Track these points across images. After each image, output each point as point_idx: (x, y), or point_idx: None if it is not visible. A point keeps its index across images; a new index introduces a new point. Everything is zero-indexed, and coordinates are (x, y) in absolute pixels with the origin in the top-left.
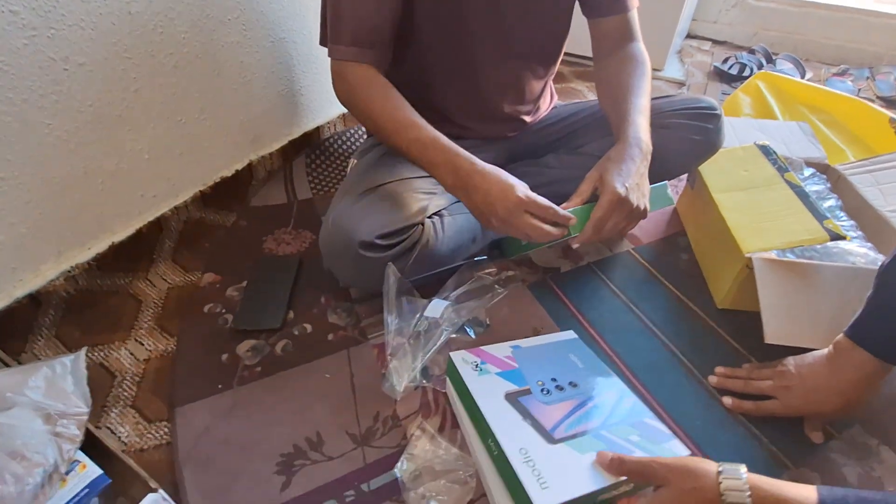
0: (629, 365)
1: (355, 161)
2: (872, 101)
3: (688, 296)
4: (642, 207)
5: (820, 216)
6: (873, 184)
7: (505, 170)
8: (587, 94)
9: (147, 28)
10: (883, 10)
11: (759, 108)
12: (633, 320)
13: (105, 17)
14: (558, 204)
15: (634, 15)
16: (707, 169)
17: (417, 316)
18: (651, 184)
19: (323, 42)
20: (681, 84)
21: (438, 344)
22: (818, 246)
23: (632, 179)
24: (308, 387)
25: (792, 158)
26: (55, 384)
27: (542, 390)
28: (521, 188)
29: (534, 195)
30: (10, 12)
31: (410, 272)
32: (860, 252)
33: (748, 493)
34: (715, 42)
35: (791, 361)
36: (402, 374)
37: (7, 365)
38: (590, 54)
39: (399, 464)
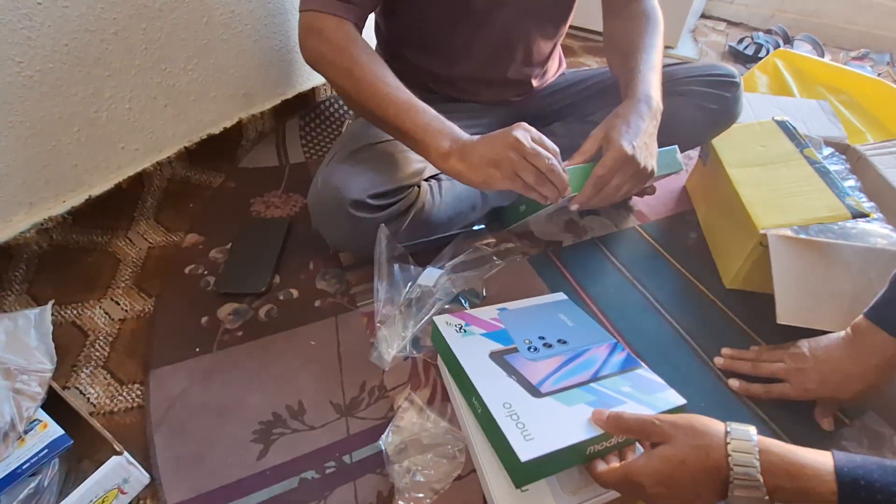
0: (632, 343)
1: (350, 122)
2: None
3: (695, 275)
4: (649, 169)
5: (841, 193)
6: (895, 165)
7: None
8: None
9: None
10: None
11: (777, 87)
12: (638, 297)
13: None
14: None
15: None
16: (721, 144)
17: (410, 283)
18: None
19: None
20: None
21: (431, 313)
22: (836, 226)
23: (640, 138)
24: (291, 353)
25: (811, 136)
26: (17, 338)
27: (530, 348)
28: (519, 132)
29: (535, 146)
30: None
31: (404, 237)
32: (882, 233)
33: (756, 455)
34: (730, 23)
35: (805, 343)
36: (392, 344)
37: None
38: (600, 28)
39: (384, 436)
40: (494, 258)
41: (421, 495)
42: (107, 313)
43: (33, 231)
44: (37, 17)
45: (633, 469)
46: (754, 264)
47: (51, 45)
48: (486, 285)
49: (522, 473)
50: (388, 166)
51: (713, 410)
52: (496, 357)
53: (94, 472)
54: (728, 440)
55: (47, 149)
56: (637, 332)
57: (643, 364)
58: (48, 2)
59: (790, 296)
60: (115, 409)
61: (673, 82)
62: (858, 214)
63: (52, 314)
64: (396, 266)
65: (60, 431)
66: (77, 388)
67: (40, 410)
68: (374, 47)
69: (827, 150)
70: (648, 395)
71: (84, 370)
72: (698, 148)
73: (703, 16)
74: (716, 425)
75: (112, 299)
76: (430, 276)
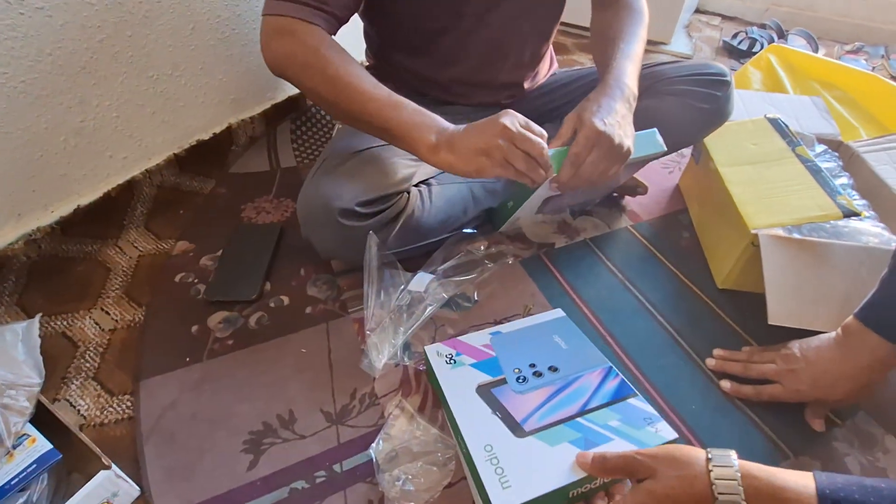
0: (623, 345)
1: (339, 127)
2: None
3: (687, 275)
4: (625, 147)
5: (833, 192)
6: (888, 162)
7: None
8: None
9: None
10: None
11: (770, 83)
12: (630, 299)
13: None
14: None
15: None
16: (713, 142)
17: (400, 290)
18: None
19: None
20: (688, 59)
21: (422, 319)
22: (828, 225)
23: (611, 116)
24: (282, 361)
25: (803, 134)
26: (5, 352)
27: (518, 378)
28: (507, 119)
29: (523, 130)
30: None
31: (394, 243)
32: (873, 231)
33: (739, 481)
34: (725, 17)
35: (796, 345)
36: (382, 351)
37: None
38: None
39: (374, 444)
40: (486, 262)
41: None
42: (97, 323)
43: (22, 242)
44: (20, 28)
45: None
46: (746, 264)
47: (35, 55)
48: (478, 289)
49: None
50: (376, 173)
51: (704, 413)
52: (483, 391)
53: (83, 485)
54: (710, 467)
55: (34, 159)
56: (629, 334)
57: (636, 392)
58: (31, 11)
59: (781, 296)
60: (106, 421)
61: (663, 82)
62: (850, 213)
63: (42, 325)
64: (387, 272)
65: (49, 446)
66: (67, 400)
67: (29, 425)
68: (363, 51)
69: (819, 148)
70: (637, 430)
71: (74, 382)
72: (691, 146)
73: (697, 10)
74: (697, 453)
75: (102, 309)
76: (421, 281)
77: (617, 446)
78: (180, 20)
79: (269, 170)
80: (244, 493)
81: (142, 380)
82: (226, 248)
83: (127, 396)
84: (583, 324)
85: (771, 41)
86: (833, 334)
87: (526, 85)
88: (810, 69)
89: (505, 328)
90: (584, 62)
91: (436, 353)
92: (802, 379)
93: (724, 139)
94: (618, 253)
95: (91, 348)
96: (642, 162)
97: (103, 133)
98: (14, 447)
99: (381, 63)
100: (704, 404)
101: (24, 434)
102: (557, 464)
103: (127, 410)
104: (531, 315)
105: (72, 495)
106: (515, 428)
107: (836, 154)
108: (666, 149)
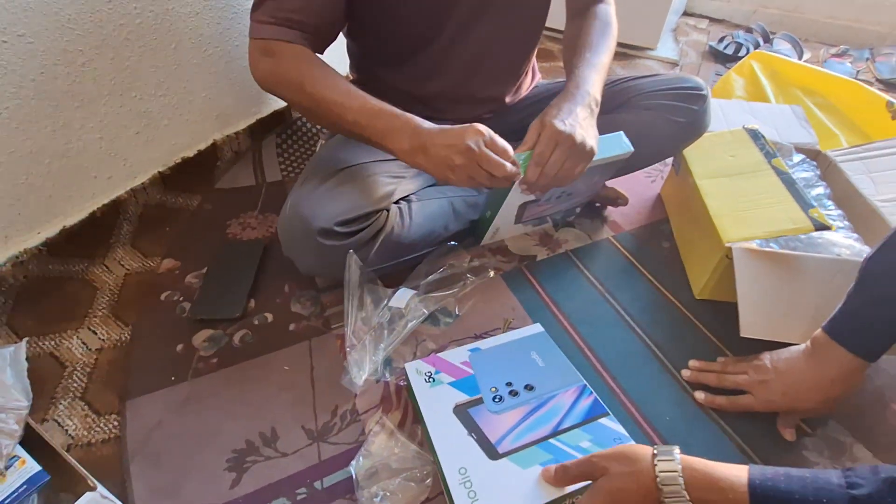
0: (601, 358)
1: (323, 142)
2: (871, 83)
3: (666, 286)
4: (588, 145)
5: (805, 205)
6: (864, 171)
7: None
8: None
9: None
10: None
11: (753, 90)
12: (609, 311)
13: None
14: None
15: None
16: (692, 153)
17: (381, 305)
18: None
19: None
20: (674, 64)
21: (403, 335)
22: (802, 236)
23: (571, 118)
24: (265, 379)
25: (782, 144)
26: None
27: (495, 398)
28: (479, 125)
29: (490, 131)
30: None
31: (375, 260)
32: (845, 243)
33: (680, 472)
34: (712, 20)
35: (768, 356)
36: (363, 367)
37: None
38: None
39: (355, 461)
40: (468, 275)
41: None
42: (84, 343)
43: (10, 264)
44: (3, 55)
45: None
46: (722, 275)
47: (18, 81)
48: (459, 304)
49: None
50: (355, 192)
51: (679, 423)
52: (460, 411)
53: None
54: (655, 462)
55: (19, 182)
56: (607, 347)
57: (608, 411)
58: (13, 39)
59: (754, 309)
60: (93, 441)
61: (641, 96)
62: (821, 227)
63: (30, 346)
64: (367, 289)
65: (38, 467)
66: (55, 420)
67: (18, 447)
68: (347, 66)
69: (798, 157)
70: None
71: (62, 402)
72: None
73: (685, 13)
74: (644, 450)
75: (89, 328)
76: (402, 297)
77: None
78: (162, 40)
79: (254, 184)
80: None
81: (128, 399)
82: (210, 265)
83: (114, 416)
84: (562, 337)
85: (757, 45)
86: (803, 346)
87: (507, 99)
88: (792, 76)
89: (484, 344)
90: None
91: (415, 370)
92: (773, 389)
93: (703, 150)
94: (598, 264)
95: (78, 368)
96: (615, 167)
97: (88, 154)
98: (6, 468)
99: (364, 78)
100: (678, 415)
101: (15, 456)
102: (529, 486)
103: (114, 430)
104: (512, 329)
105: None
106: (490, 450)
107: (815, 163)
108: (633, 149)
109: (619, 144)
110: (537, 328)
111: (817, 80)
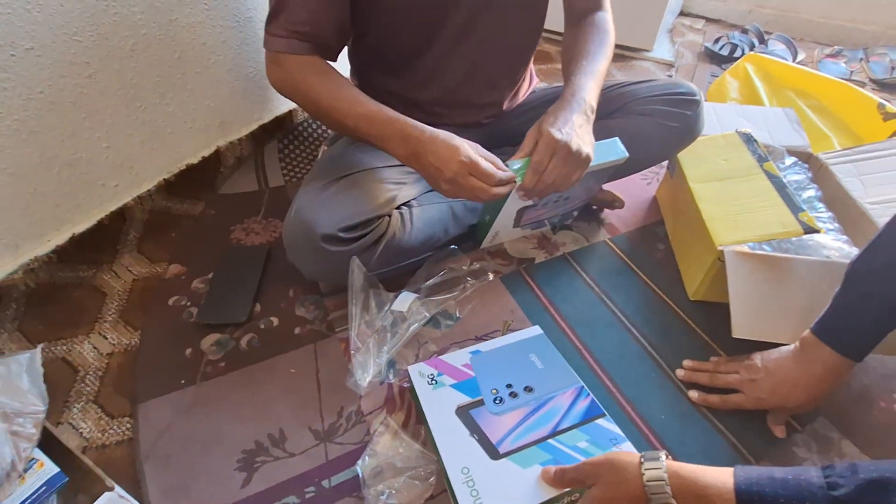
0: (598, 359)
1: (325, 148)
2: (865, 83)
3: (661, 287)
4: (583, 153)
5: (795, 208)
6: (855, 174)
7: None
8: None
9: (98, 9)
10: None
11: (747, 92)
12: (605, 313)
13: None
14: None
15: None
16: (686, 157)
17: (384, 309)
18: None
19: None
20: (670, 65)
21: (405, 338)
22: (793, 239)
23: (567, 126)
24: (272, 382)
25: (774, 147)
26: (10, 382)
27: (495, 399)
28: (466, 150)
29: (477, 158)
30: None
31: (377, 265)
32: (834, 246)
33: (667, 481)
34: (708, 20)
35: (758, 356)
36: (367, 369)
37: None
38: None
39: (361, 460)
40: (468, 279)
41: None
42: (95, 348)
43: (21, 272)
44: (12, 69)
45: None
46: (715, 277)
47: (27, 94)
48: (460, 306)
49: None
50: (358, 198)
51: (673, 422)
52: (461, 412)
53: None
54: (643, 470)
55: (28, 192)
56: (604, 347)
57: (604, 412)
58: (22, 52)
59: (745, 310)
60: (107, 443)
61: (635, 101)
62: (810, 230)
63: (43, 352)
64: (371, 293)
65: (56, 469)
66: (70, 424)
67: (36, 450)
68: (348, 73)
69: (790, 160)
70: (603, 452)
71: (76, 406)
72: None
73: (681, 13)
74: (631, 458)
75: (100, 333)
76: (404, 300)
77: None
78: (166, 50)
79: (257, 190)
80: None
81: (139, 403)
82: (216, 271)
83: (126, 418)
84: (560, 339)
85: (752, 46)
86: (792, 346)
87: (505, 105)
88: (786, 78)
89: (485, 346)
90: None
91: (418, 373)
92: (763, 388)
93: (697, 154)
94: (595, 267)
95: (91, 372)
96: (610, 171)
97: (95, 164)
98: (25, 471)
99: (364, 84)
100: (673, 413)
101: (33, 458)
102: (528, 485)
103: (127, 432)
104: (511, 331)
105: None
106: (491, 450)
107: (806, 166)
108: (628, 155)
109: (615, 150)
110: (536, 330)
111: (810, 83)
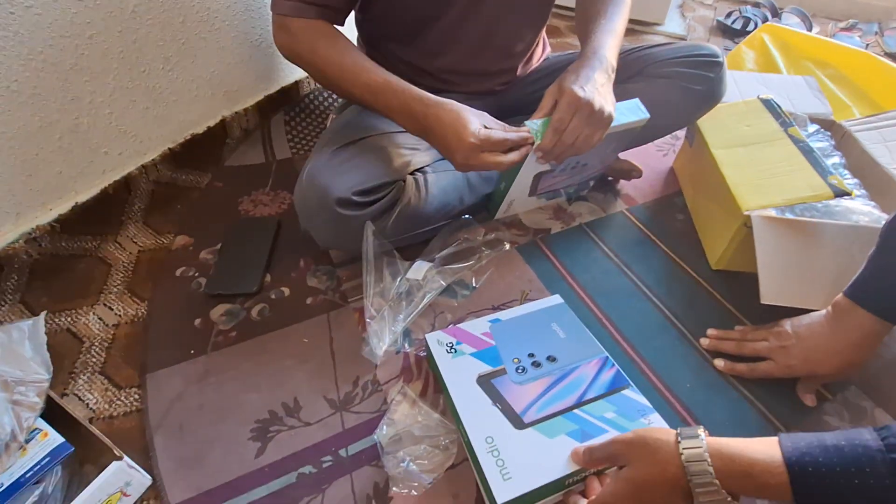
0: (620, 329)
1: (334, 117)
2: (880, 57)
3: (682, 257)
4: (606, 112)
5: (824, 172)
6: (880, 141)
7: None
8: None
9: None
10: None
11: (763, 63)
12: (626, 282)
13: None
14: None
15: None
16: (706, 124)
17: (399, 278)
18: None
19: None
20: (682, 39)
21: (420, 307)
22: (820, 204)
23: (590, 84)
24: (285, 352)
25: (796, 114)
26: (12, 350)
27: (518, 369)
28: (475, 127)
29: (486, 132)
30: None
31: (392, 232)
32: (864, 210)
33: (709, 460)
34: None
35: (788, 322)
36: (383, 338)
37: None
38: None
39: (378, 429)
40: (483, 248)
41: (415, 483)
42: (101, 319)
43: (22, 241)
44: (10, 27)
45: (603, 497)
46: (739, 245)
47: (26, 54)
48: (476, 276)
49: None
50: (372, 162)
51: (698, 391)
52: (483, 381)
53: (96, 476)
54: (680, 450)
55: (30, 158)
56: (625, 317)
57: (630, 383)
58: (21, 10)
59: (774, 276)
60: (115, 414)
61: (656, 64)
62: (840, 193)
63: (47, 322)
64: (385, 261)
65: (61, 439)
66: (76, 395)
67: (40, 419)
68: (355, 40)
69: (812, 127)
70: (632, 423)
71: (82, 376)
72: (685, 128)
73: None
74: (667, 436)
75: (105, 304)
76: (419, 269)
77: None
78: (170, 13)
79: (264, 162)
80: (253, 479)
81: (148, 373)
82: (224, 241)
83: (134, 389)
84: (580, 308)
85: (765, 20)
86: (824, 312)
87: (518, 72)
88: (804, 48)
89: (504, 315)
90: (577, 45)
91: (437, 341)
92: (794, 355)
93: (718, 121)
94: (613, 237)
95: (96, 343)
96: (629, 136)
97: (97, 130)
98: (27, 441)
99: (373, 53)
100: (699, 382)
101: (36, 429)
102: (555, 455)
103: (135, 403)
104: (529, 300)
105: (86, 486)
106: (515, 420)
107: (829, 133)
108: (649, 116)
109: (636, 111)
110: (557, 299)
111: (829, 52)
